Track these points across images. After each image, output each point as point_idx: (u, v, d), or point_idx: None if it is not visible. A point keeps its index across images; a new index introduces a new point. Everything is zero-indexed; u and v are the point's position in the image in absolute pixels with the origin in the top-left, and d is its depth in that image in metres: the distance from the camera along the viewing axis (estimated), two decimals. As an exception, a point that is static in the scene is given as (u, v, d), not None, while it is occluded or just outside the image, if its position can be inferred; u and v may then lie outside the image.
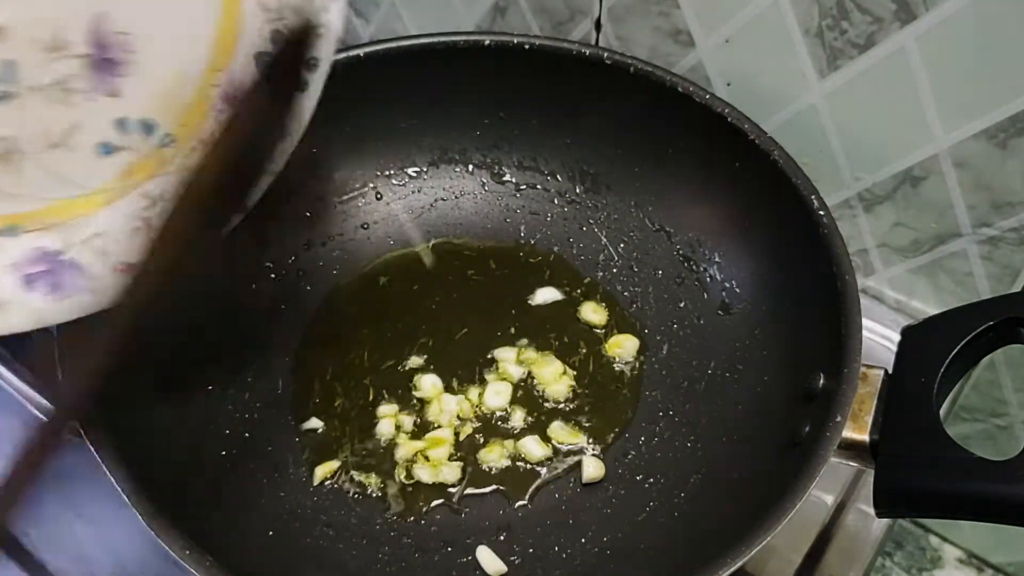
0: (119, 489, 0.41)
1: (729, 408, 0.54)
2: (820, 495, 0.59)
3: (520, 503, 0.52)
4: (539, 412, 0.56)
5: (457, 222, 0.65)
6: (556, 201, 0.65)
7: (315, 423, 0.55)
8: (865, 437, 0.43)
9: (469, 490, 0.53)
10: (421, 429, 0.55)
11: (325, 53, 0.47)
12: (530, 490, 0.53)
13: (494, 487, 0.53)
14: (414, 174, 0.65)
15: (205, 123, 0.44)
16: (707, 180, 0.59)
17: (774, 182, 0.53)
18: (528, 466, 0.54)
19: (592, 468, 0.53)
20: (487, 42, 0.60)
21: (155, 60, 0.41)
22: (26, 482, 0.36)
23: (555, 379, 0.57)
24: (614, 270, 0.62)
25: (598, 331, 0.60)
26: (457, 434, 0.55)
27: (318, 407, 0.56)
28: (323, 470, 0.53)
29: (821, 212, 0.50)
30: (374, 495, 0.53)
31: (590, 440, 0.55)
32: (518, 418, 0.56)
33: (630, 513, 0.51)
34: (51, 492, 0.59)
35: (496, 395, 0.57)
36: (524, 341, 0.59)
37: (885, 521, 0.59)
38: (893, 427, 0.43)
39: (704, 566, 0.39)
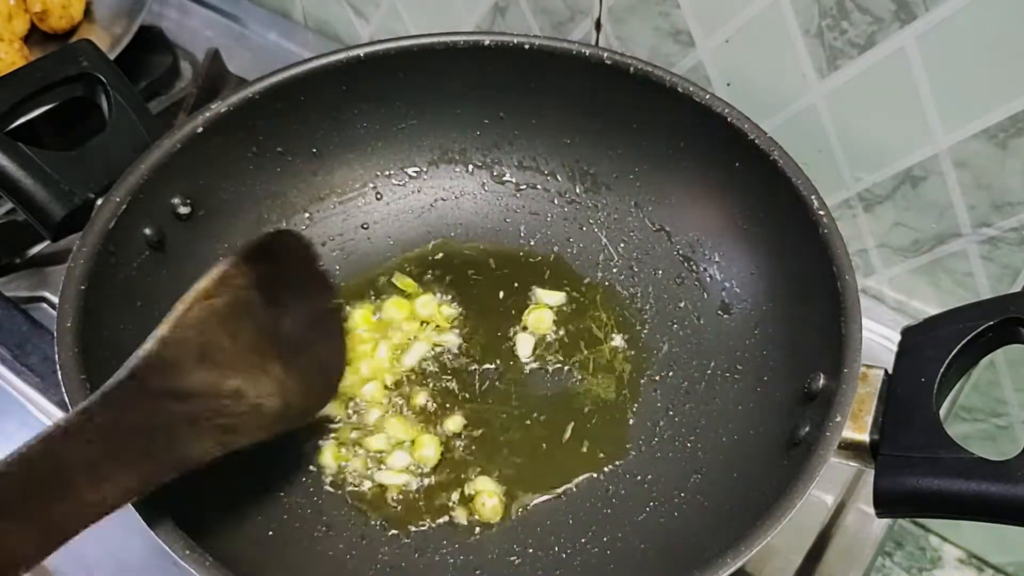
0: (119, 489, 0.41)
1: (729, 408, 0.54)
2: (820, 495, 0.59)
3: (520, 503, 0.52)
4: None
5: (457, 222, 0.65)
6: (556, 201, 0.65)
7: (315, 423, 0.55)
8: (865, 437, 0.43)
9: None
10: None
11: None
12: (531, 491, 0.53)
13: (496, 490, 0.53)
14: (414, 174, 0.65)
15: None
16: (707, 180, 0.58)
17: (774, 182, 0.53)
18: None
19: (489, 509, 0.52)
20: (487, 42, 0.60)
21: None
22: None
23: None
24: (614, 270, 0.62)
25: (598, 331, 0.60)
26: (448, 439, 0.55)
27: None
28: (323, 470, 0.53)
29: (821, 212, 0.50)
30: (374, 495, 0.53)
31: (590, 441, 0.55)
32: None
33: (630, 513, 0.51)
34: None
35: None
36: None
37: (885, 521, 0.59)
38: (893, 427, 0.43)
39: (704, 566, 0.39)
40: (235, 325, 0.44)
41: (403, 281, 0.62)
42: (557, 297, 0.61)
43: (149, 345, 0.41)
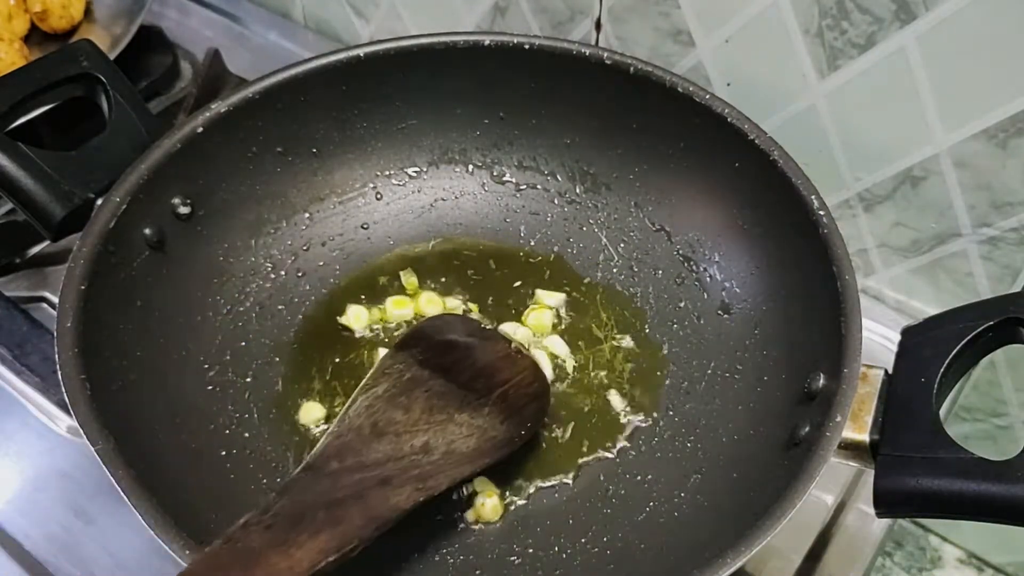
0: (119, 489, 0.41)
1: (729, 408, 0.54)
2: (820, 495, 0.59)
3: (520, 503, 0.52)
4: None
5: (457, 222, 0.65)
6: (556, 201, 0.65)
7: (315, 422, 0.55)
8: (865, 437, 0.43)
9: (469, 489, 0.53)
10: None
11: None
12: (530, 491, 0.53)
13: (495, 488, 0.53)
14: (414, 174, 0.65)
15: None
16: (707, 180, 0.58)
17: (774, 182, 0.53)
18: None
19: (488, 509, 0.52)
20: (487, 42, 0.60)
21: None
22: None
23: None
24: (614, 270, 0.62)
25: (598, 331, 0.60)
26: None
27: (318, 407, 0.56)
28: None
29: (821, 212, 0.50)
30: (374, 495, 0.53)
31: (590, 441, 0.55)
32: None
33: (630, 513, 0.51)
34: (51, 492, 0.59)
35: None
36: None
37: (885, 521, 0.59)
38: (893, 427, 0.43)
39: (704, 566, 0.39)
40: (405, 400, 0.49)
41: (408, 280, 0.62)
42: (557, 298, 0.61)
43: (324, 440, 0.45)
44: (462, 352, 0.53)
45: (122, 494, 0.41)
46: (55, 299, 0.60)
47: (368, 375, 0.50)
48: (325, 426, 0.55)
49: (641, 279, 0.61)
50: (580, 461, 0.54)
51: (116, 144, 0.55)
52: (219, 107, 0.56)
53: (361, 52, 0.60)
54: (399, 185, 0.65)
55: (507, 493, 0.53)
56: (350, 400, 0.48)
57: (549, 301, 0.61)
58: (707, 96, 0.56)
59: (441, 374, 0.51)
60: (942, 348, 0.44)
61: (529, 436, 0.53)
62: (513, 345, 0.56)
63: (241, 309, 0.59)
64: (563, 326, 0.60)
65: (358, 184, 0.64)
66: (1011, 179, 0.58)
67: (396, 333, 0.60)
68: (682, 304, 0.59)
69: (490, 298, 0.61)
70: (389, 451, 0.46)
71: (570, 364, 0.58)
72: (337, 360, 0.58)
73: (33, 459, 0.60)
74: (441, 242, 0.64)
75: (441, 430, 0.48)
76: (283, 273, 0.61)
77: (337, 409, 0.56)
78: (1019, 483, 0.39)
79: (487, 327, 0.59)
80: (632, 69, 0.58)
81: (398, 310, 0.60)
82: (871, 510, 0.43)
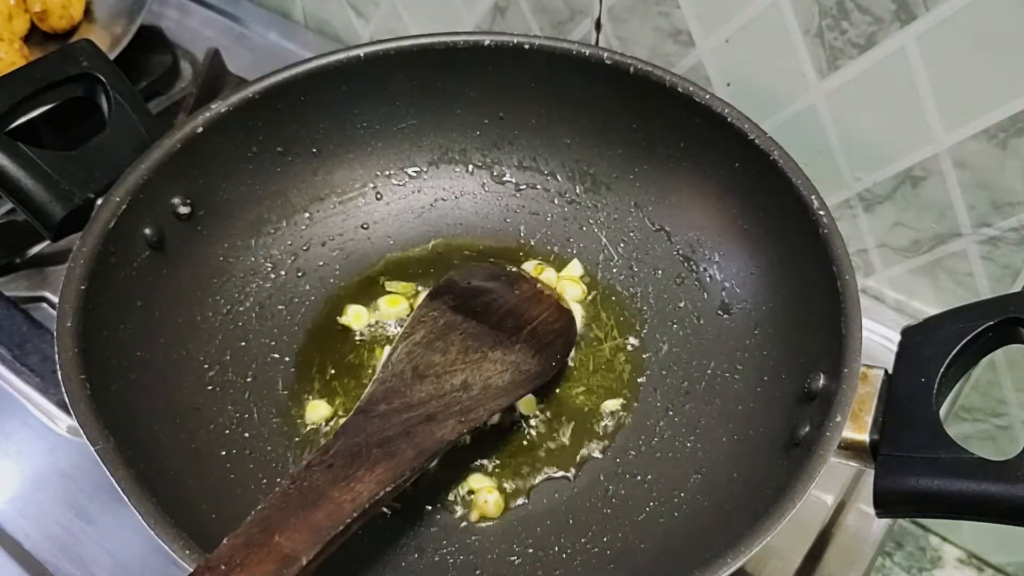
0: (119, 489, 0.41)
1: (729, 408, 0.54)
2: (820, 495, 0.59)
3: (520, 503, 0.52)
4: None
5: (457, 222, 0.65)
6: (556, 201, 0.65)
7: (315, 422, 0.55)
8: (865, 437, 0.43)
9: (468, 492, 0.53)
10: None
11: None
12: (530, 490, 0.53)
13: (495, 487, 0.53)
14: (414, 174, 0.65)
15: None
16: (707, 180, 0.58)
17: (774, 182, 0.53)
18: (528, 463, 0.54)
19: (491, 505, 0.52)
20: (487, 42, 0.60)
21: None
22: None
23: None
24: (614, 270, 0.62)
25: (598, 331, 0.60)
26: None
27: (318, 407, 0.56)
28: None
29: (821, 212, 0.50)
30: (374, 495, 0.53)
31: (590, 441, 0.55)
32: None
33: (630, 513, 0.51)
34: (51, 492, 0.59)
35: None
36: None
37: (885, 521, 0.59)
38: (893, 427, 0.43)
39: (704, 566, 0.39)
40: (442, 344, 0.52)
41: (394, 285, 0.62)
42: (577, 268, 0.62)
43: (370, 387, 0.49)
44: (491, 295, 0.56)
45: (122, 494, 0.41)
46: (55, 299, 0.60)
47: (406, 325, 0.54)
48: (330, 425, 0.55)
49: (641, 279, 0.61)
50: (580, 461, 0.54)
51: (116, 144, 0.55)
52: (219, 107, 0.56)
53: (361, 52, 0.60)
54: (399, 185, 0.65)
55: (507, 493, 0.53)
56: (391, 349, 0.52)
57: (573, 272, 0.62)
58: (707, 96, 0.56)
59: (473, 317, 0.54)
60: (942, 348, 0.44)
61: (560, 366, 0.56)
62: (537, 285, 0.59)
63: (241, 309, 0.59)
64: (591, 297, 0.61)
65: (358, 184, 0.64)
66: (1011, 179, 0.58)
67: (395, 333, 0.60)
68: (682, 304, 0.59)
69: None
70: (431, 391, 0.49)
71: (570, 364, 0.58)
72: (337, 359, 0.58)
73: (33, 459, 0.60)
74: (441, 242, 0.64)
75: (477, 368, 0.52)
76: (283, 273, 0.61)
77: (339, 409, 0.56)
78: (1019, 483, 0.39)
79: (511, 269, 0.61)
80: (632, 69, 0.58)
81: (392, 308, 0.60)
82: (871, 510, 0.43)
